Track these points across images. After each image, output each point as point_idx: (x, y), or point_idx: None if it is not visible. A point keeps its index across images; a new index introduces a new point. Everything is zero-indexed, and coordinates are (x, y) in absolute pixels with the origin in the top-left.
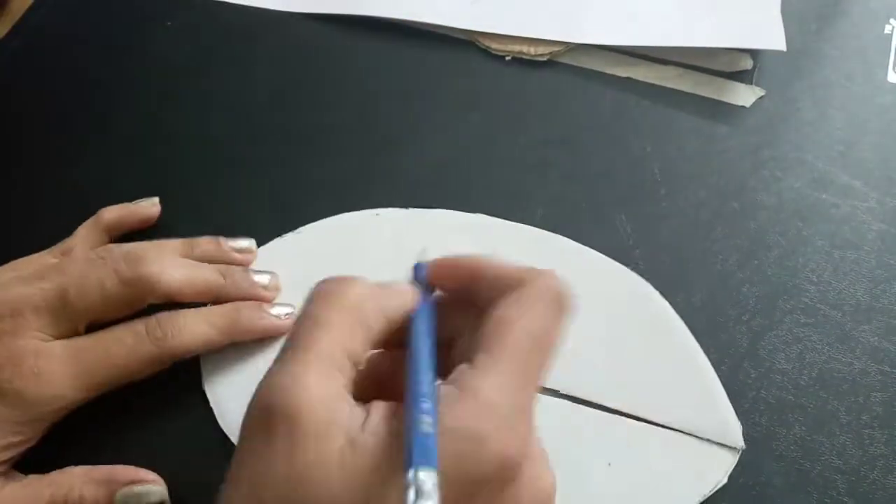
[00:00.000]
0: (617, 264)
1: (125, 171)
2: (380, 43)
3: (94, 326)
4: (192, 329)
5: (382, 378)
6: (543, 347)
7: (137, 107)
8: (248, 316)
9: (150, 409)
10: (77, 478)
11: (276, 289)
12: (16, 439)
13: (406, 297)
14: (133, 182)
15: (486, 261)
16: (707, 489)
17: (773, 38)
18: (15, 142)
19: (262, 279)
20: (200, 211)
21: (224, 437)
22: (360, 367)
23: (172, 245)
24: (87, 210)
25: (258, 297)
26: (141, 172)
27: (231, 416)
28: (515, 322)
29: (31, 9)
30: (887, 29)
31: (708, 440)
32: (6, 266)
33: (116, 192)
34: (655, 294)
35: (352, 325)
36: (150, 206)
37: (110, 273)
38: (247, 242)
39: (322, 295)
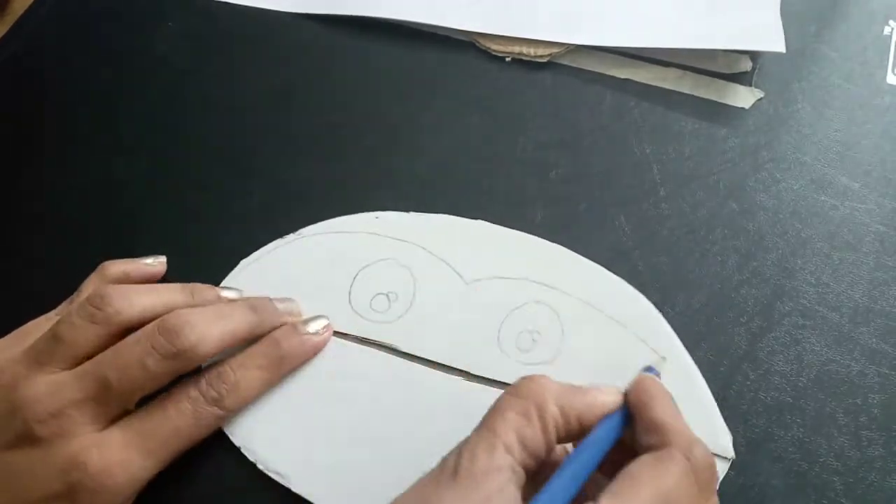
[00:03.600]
0: (611, 275)
1: (126, 171)
2: (379, 44)
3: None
4: (245, 380)
5: None
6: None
7: (138, 107)
8: (290, 347)
9: None
10: None
11: (299, 314)
12: None
13: (597, 401)
14: (133, 182)
15: (659, 402)
16: None
17: (772, 39)
18: (15, 142)
19: (287, 306)
20: (199, 212)
21: (223, 436)
22: (539, 454)
23: (181, 296)
24: (87, 209)
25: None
26: (141, 173)
27: (234, 418)
28: (646, 483)
29: (31, 9)
30: (886, 30)
31: None
32: (10, 337)
33: (117, 192)
34: (650, 306)
35: (527, 414)
36: (156, 265)
37: (149, 350)
38: (235, 293)
39: (511, 389)
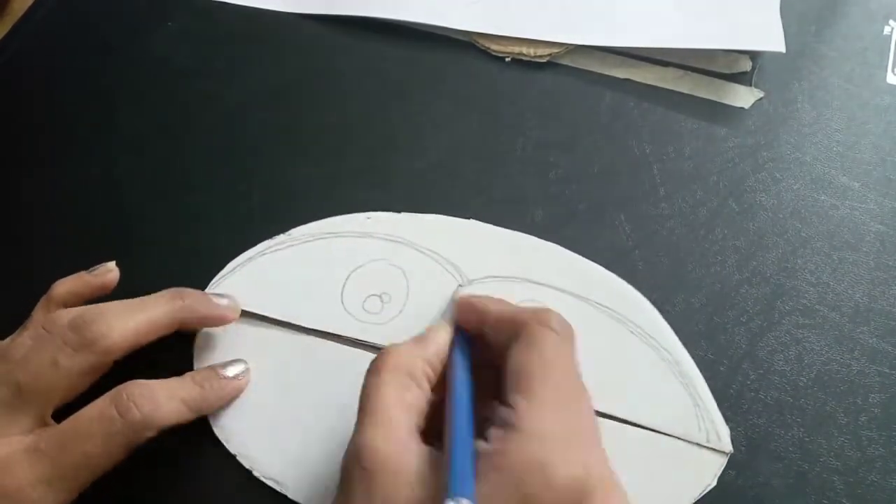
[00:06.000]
0: (605, 271)
1: (125, 171)
2: (379, 43)
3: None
4: (165, 406)
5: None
6: (565, 376)
7: (137, 107)
8: (213, 389)
9: None
10: None
11: (237, 309)
12: None
13: (441, 342)
14: (133, 182)
15: (491, 304)
16: (697, 492)
17: (772, 39)
18: (15, 142)
19: (221, 300)
20: (199, 212)
21: (218, 444)
22: (425, 410)
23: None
24: (87, 210)
25: (221, 316)
26: (140, 172)
27: (225, 421)
28: (533, 363)
29: (31, 9)
30: (886, 30)
31: (697, 444)
32: None
33: (116, 191)
34: (644, 301)
35: (400, 383)
36: (105, 273)
37: (59, 346)
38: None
39: (372, 368)
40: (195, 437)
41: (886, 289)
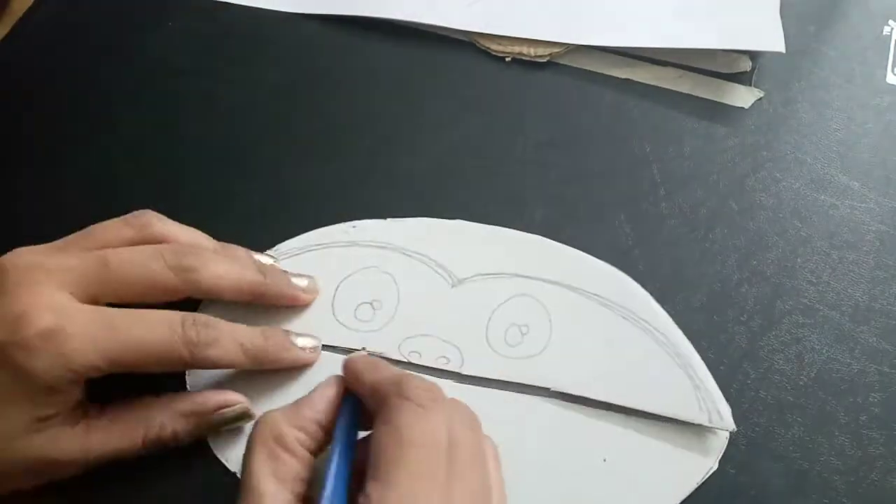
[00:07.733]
0: (594, 259)
1: (125, 171)
2: (380, 43)
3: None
4: (225, 345)
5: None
6: (429, 455)
7: (137, 107)
8: (275, 345)
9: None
10: (165, 414)
11: (315, 292)
12: (42, 413)
13: (322, 402)
14: (133, 182)
15: (367, 371)
16: (700, 476)
17: (771, 39)
18: (15, 142)
19: (301, 282)
20: (199, 212)
21: (218, 463)
22: (305, 476)
23: (211, 246)
24: (87, 210)
25: (297, 299)
26: (140, 173)
27: (225, 440)
28: (389, 443)
29: (31, 9)
30: (886, 30)
31: (699, 426)
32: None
33: (116, 192)
34: (634, 285)
35: (270, 455)
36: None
37: (156, 255)
38: (270, 260)
39: (248, 441)
40: (196, 457)
41: (886, 288)
